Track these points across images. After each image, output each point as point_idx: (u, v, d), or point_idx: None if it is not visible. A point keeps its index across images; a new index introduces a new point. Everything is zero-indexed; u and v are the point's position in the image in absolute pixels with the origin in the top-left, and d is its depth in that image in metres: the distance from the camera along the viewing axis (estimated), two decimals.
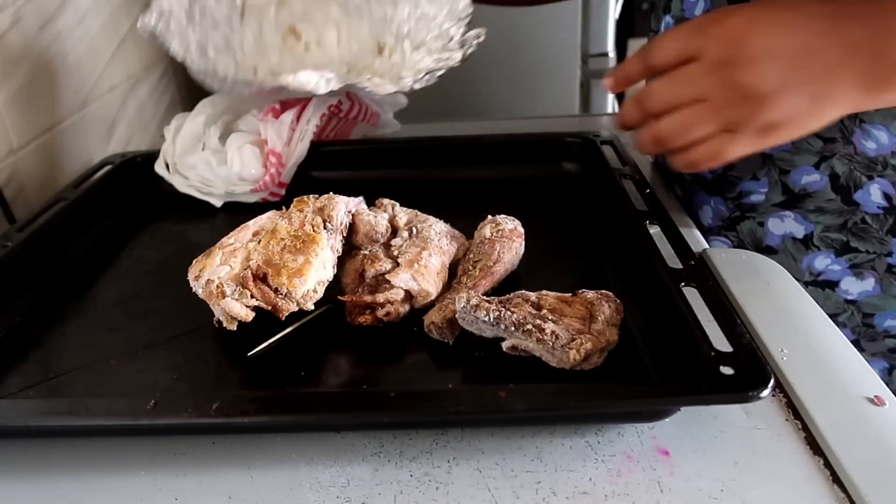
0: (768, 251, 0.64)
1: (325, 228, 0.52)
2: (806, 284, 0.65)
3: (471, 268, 0.52)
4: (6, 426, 0.42)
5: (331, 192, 0.57)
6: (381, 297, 0.48)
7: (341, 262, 0.53)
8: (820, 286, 0.64)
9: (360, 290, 0.50)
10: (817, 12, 0.44)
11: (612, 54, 1.41)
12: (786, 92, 0.44)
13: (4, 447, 0.43)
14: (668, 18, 0.66)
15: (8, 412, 0.43)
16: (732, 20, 0.45)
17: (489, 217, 0.57)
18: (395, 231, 0.56)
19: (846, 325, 0.65)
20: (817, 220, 0.61)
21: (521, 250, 0.55)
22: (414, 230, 0.55)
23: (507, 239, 0.54)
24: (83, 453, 0.42)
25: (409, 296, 0.50)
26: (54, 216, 0.65)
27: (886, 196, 0.58)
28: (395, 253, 0.52)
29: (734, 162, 0.61)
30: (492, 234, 0.55)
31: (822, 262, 0.62)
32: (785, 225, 0.62)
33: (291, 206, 0.55)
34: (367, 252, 0.52)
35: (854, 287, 0.63)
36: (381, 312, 0.48)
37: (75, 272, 0.61)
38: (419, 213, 0.58)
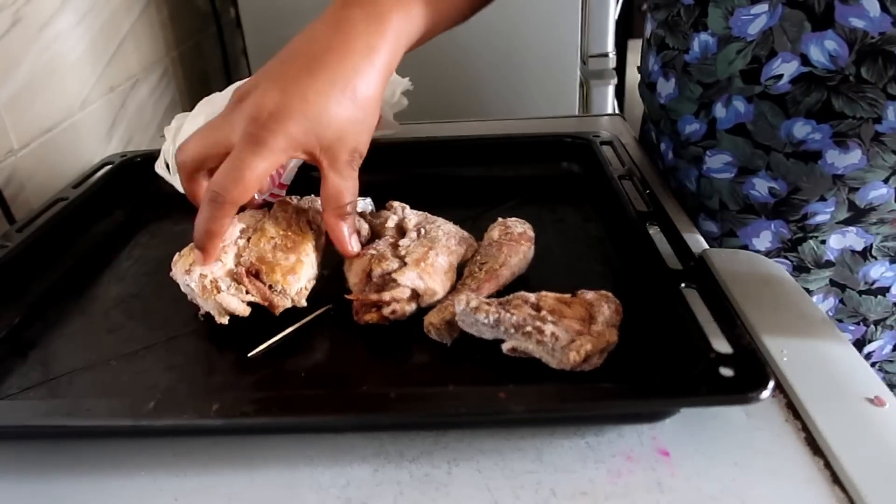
0: (826, 265, 0.64)
1: (311, 229, 0.54)
2: (860, 293, 0.65)
3: (476, 270, 0.52)
4: (6, 427, 0.42)
5: (312, 195, 0.57)
6: (387, 296, 0.48)
7: (348, 261, 0.53)
8: (872, 293, 0.64)
9: (366, 288, 0.50)
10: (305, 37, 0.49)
11: (612, 54, 1.41)
12: (293, 90, 0.46)
13: (4, 448, 0.43)
14: (704, 36, 0.62)
15: (8, 413, 0.43)
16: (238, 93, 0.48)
17: (499, 220, 0.57)
18: (403, 232, 0.56)
19: (894, 327, 0.65)
20: (878, 231, 0.61)
21: (531, 254, 0.55)
22: (422, 231, 0.55)
23: (515, 242, 0.54)
24: (83, 454, 0.42)
25: (415, 294, 0.50)
26: (54, 216, 0.65)
27: None
28: (403, 253, 0.52)
29: (802, 186, 0.61)
30: (500, 236, 0.55)
31: (878, 270, 0.62)
32: (846, 239, 0.62)
33: (275, 206, 0.56)
34: (374, 252, 0.52)
35: None
36: (387, 311, 0.48)
37: (75, 273, 0.61)
38: (429, 215, 0.58)
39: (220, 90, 0.79)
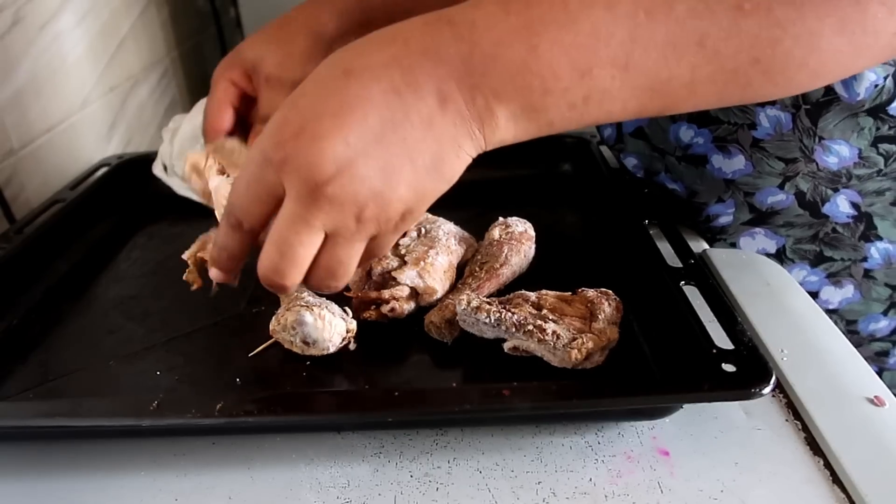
0: None
1: None
2: None
3: (477, 269, 0.53)
4: (7, 427, 0.42)
5: None
6: (386, 294, 0.49)
7: None
8: None
9: (366, 286, 0.50)
10: (373, 66, 0.36)
11: None
12: (395, 179, 0.36)
13: (4, 449, 0.43)
14: None
15: (8, 413, 0.43)
16: (288, 133, 0.35)
17: (500, 219, 0.57)
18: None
19: None
20: (788, 233, 0.61)
21: (531, 253, 0.55)
22: (423, 230, 0.55)
23: (515, 242, 0.54)
24: (83, 454, 0.42)
25: (414, 293, 0.50)
26: (51, 218, 0.65)
27: (854, 205, 0.58)
28: (403, 252, 0.52)
29: (698, 189, 0.62)
30: (501, 236, 0.55)
31: (799, 274, 0.62)
32: (756, 242, 0.62)
33: None
34: None
35: (834, 296, 0.63)
36: (385, 308, 0.48)
37: (73, 274, 0.61)
38: (430, 214, 0.58)
39: None
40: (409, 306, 0.49)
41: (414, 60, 0.35)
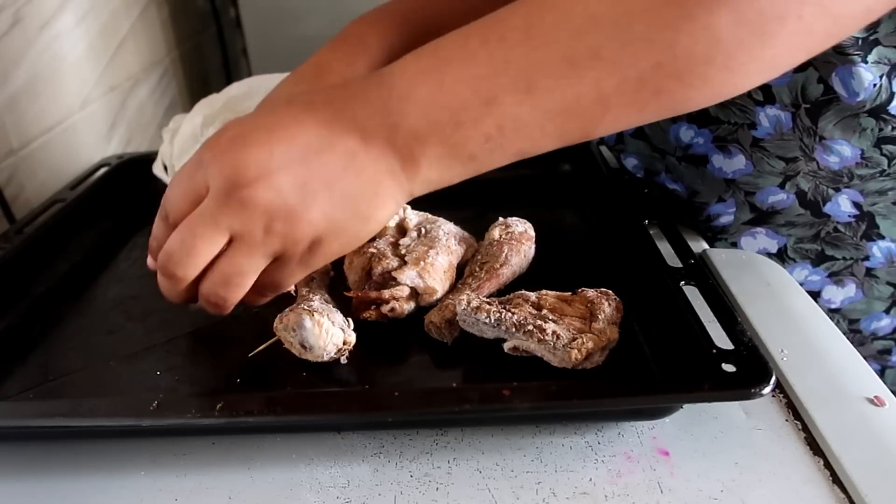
0: None
1: None
2: None
3: (477, 269, 0.53)
4: (7, 427, 0.42)
5: None
6: (386, 294, 0.49)
7: (349, 259, 0.53)
8: None
9: (366, 286, 0.51)
10: (314, 101, 0.39)
11: None
12: (309, 201, 0.37)
13: (4, 449, 0.43)
14: None
15: (9, 414, 0.43)
16: (224, 139, 0.38)
17: (500, 219, 0.57)
18: (404, 231, 0.56)
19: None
20: (789, 233, 0.61)
21: (531, 254, 0.55)
22: (423, 230, 0.55)
23: (515, 242, 0.54)
24: (83, 454, 0.42)
25: (414, 293, 0.50)
26: (51, 218, 0.65)
27: (856, 204, 0.58)
28: (403, 252, 0.52)
29: (698, 189, 0.61)
30: (500, 236, 0.55)
31: (801, 273, 0.62)
32: (757, 241, 0.62)
33: None
34: (374, 250, 0.53)
35: (836, 295, 0.63)
36: (385, 308, 0.48)
37: (73, 274, 0.61)
38: (430, 215, 0.58)
39: (220, 90, 0.79)
40: (409, 306, 0.49)
41: (346, 102, 0.38)
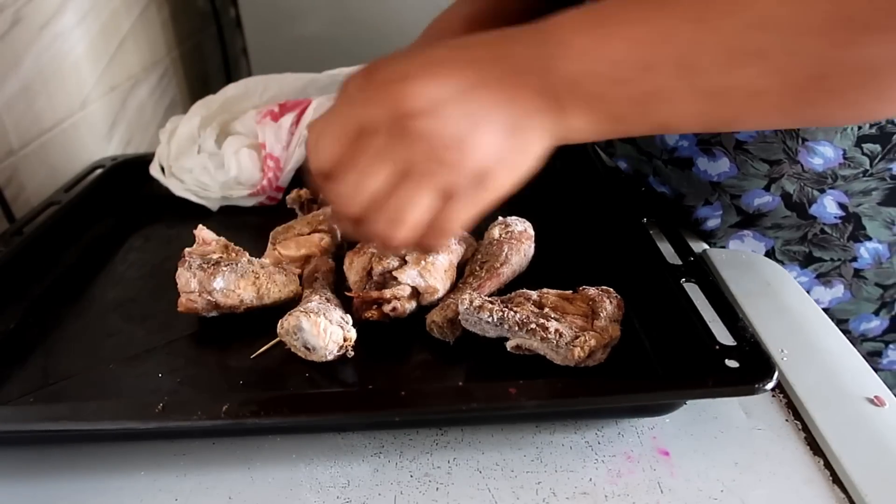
0: None
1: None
2: None
3: (477, 269, 0.53)
4: (10, 431, 0.42)
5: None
6: (387, 293, 0.49)
7: (349, 259, 0.54)
8: None
9: (367, 286, 0.51)
10: (469, 42, 0.40)
11: None
12: (477, 130, 0.38)
13: (5, 452, 0.43)
14: None
15: (11, 418, 0.42)
16: (377, 79, 0.38)
17: (500, 218, 0.57)
18: None
19: None
20: (776, 235, 0.61)
21: (531, 252, 0.55)
22: None
23: (515, 241, 0.54)
24: (83, 455, 0.42)
25: (415, 292, 0.50)
26: (47, 221, 0.64)
27: (841, 205, 0.58)
28: (403, 251, 0.52)
29: (685, 191, 0.62)
30: (500, 235, 0.55)
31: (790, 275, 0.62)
32: (745, 244, 0.62)
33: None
34: (374, 250, 0.53)
35: (824, 296, 0.63)
36: (387, 308, 0.48)
37: (70, 277, 0.61)
38: None
39: (220, 90, 0.79)
40: (410, 306, 0.49)
41: (502, 43, 0.39)
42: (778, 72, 0.35)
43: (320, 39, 1.30)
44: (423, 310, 0.50)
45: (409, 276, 0.49)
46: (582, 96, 0.38)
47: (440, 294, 0.50)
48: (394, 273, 0.50)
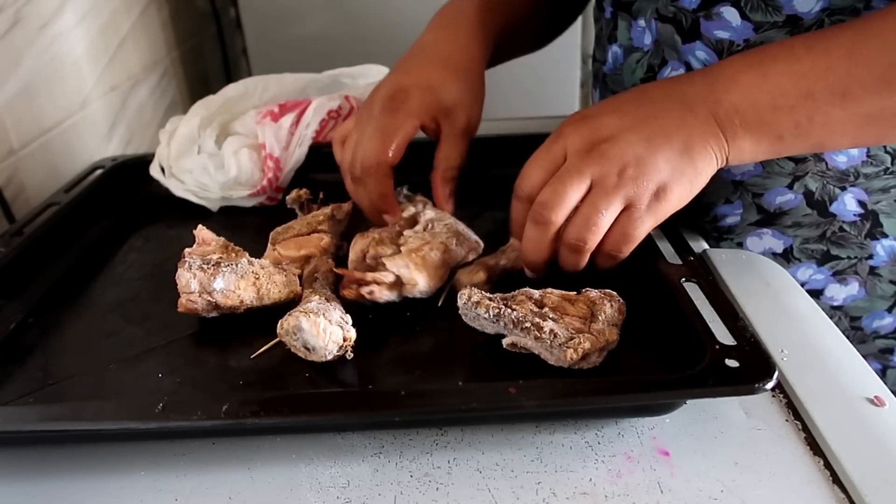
0: None
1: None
2: None
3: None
4: (10, 432, 0.42)
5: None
6: (369, 276, 0.50)
7: (354, 240, 0.55)
8: None
9: (359, 267, 0.52)
10: (649, 87, 0.50)
11: None
12: (654, 150, 0.45)
13: (5, 451, 0.43)
14: (615, 48, 0.66)
15: (10, 417, 0.42)
16: (573, 118, 0.48)
17: None
18: (414, 224, 0.57)
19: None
20: (795, 233, 0.61)
21: None
22: (430, 225, 0.56)
23: None
24: (83, 455, 0.42)
25: (399, 283, 0.50)
26: (46, 221, 0.64)
27: (861, 203, 0.58)
28: (402, 242, 0.53)
29: (705, 189, 0.62)
30: None
31: (805, 273, 0.62)
32: (763, 242, 0.62)
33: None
34: (376, 236, 0.54)
35: (839, 293, 0.63)
36: (365, 290, 0.49)
37: (69, 278, 0.61)
38: (448, 215, 0.59)
39: (220, 90, 0.79)
40: (389, 294, 0.50)
41: (674, 84, 0.49)
42: None
43: (320, 39, 1.30)
44: (410, 307, 0.50)
45: (396, 265, 0.50)
46: (749, 122, 0.45)
47: (421, 288, 0.51)
48: (384, 259, 0.50)
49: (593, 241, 0.47)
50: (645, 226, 0.47)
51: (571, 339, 0.43)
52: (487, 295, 0.46)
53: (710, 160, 0.46)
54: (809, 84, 0.44)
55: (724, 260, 0.58)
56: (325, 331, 0.44)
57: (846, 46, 0.44)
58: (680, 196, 0.47)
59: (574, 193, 0.46)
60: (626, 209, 0.46)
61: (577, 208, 0.47)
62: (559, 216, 0.47)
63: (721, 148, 0.46)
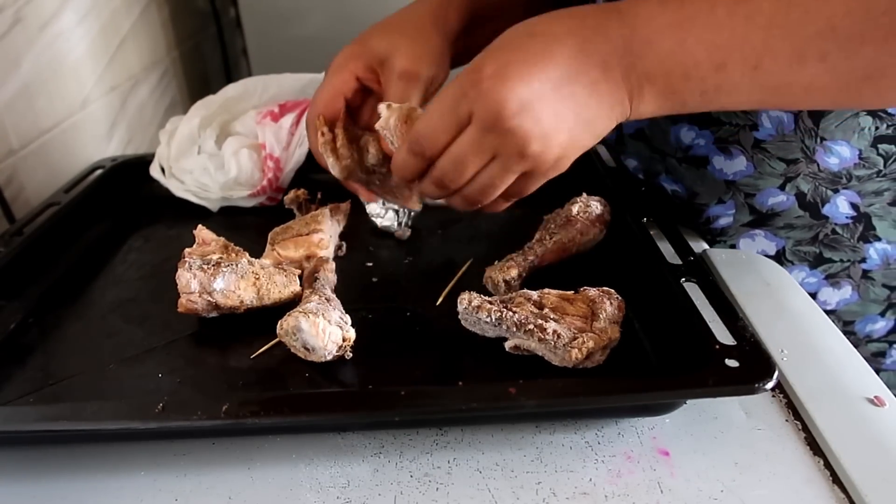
0: None
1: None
2: None
3: (547, 238, 0.56)
4: (10, 432, 0.42)
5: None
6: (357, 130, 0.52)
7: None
8: None
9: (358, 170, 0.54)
10: (558, 34, 0.44)
11: None
12: (561, 125, 0.44)
13: (5, 451, 0.43)
14: None
15: (10, 417, 0.42)
16: (485, 74, 0.44)
17: (584, 194, 0.60)
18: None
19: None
20: (787, 235, 0.61)
21: (600, 237, 0.58)
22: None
23: (590, 223, 0.57)
24: (83, 455, 0.42)
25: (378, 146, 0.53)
26: (46, 222, 0.64)
27: (853, 206, 0.58)
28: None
29: (698, 190, 0.62)
30: (578, 212, 0.58)
31: (798, 275, 0.62)
32: (756, 243, 0.62)
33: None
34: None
35: (832, 297, 0.63)
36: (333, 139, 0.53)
37: (69, 278, 0.61)
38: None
39: (220, 90, 0.79)
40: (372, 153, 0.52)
41: (587, 34, 0.44)
42: (835, 71, 0.40)
43: (320, 39, 1.30)
44: (416, 316, 0.50)
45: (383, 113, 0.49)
46: (658, 88, 0.44)
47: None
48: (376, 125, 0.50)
49: (486, 201, 0.48)
50: (535, 186, 0.47)
51: (575, 338, 0.43)
52: (487, 299, 0.46)
53: (610, 125, 0.45)
54: (724, 56, 0.42)
55: (723, 260, 0.58)
56: (324, 331, 0.44)
57: (767, 14, 0.41)
58: (574, 158, 0.46)
59: (475, 167, 0.45)
60: (522, 175, 0.46)
61: (474, 176, 0.46)
62: (457, 185, 0.47)
63: (624, 112, 0.45)
